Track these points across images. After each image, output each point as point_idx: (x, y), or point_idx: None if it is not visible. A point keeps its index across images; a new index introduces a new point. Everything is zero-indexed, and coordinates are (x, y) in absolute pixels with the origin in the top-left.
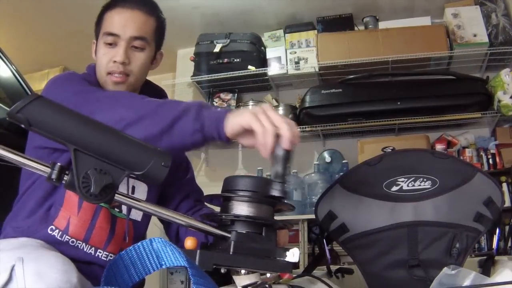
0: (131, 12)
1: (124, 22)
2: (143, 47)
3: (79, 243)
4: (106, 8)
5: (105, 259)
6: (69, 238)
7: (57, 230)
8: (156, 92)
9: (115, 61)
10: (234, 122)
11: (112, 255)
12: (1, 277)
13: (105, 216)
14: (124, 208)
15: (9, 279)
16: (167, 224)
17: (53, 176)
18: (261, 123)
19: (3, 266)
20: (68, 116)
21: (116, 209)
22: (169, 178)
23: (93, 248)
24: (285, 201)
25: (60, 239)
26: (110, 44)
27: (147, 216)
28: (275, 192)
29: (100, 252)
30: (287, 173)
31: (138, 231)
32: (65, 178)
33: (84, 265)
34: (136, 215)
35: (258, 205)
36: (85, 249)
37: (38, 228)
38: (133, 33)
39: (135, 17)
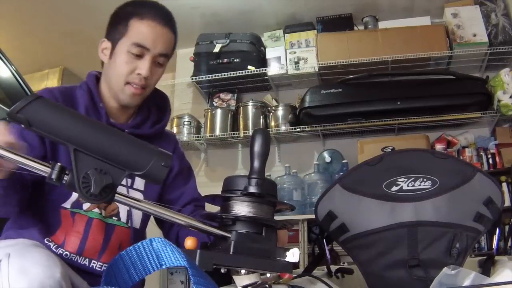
0: (162, 29)
1: (156, 37)
2: (164, 63)
3: (72, 256)
4: (132, 14)
5: (99, 269)
6: (63, 251)
7: (53, 243)
8: (160, 98)
9: (139, 74)
10: None
11: (107, 265)
12: None
13: (98, 227)
14: (123, 216)
15: None
16: (167, 230)
17: (53, 176)
18: None
19: None
20: (68, 116)
21: (114, 218)
22: (168, 184)
23: (87, 260)
24: (281, 200)
25: (54, 250)
26: (136, 55)
27: (144, 223)
28: (252, 189)
29: (94, 263)
30: (264, 169)
31: (138, 238)
32: (65, 178)
33: (80, 273)
34: (135, 223)
35: (258, 205)
36: (79, 261)
37: (36, 237)
38: (162, 50)
39: (165, 35)
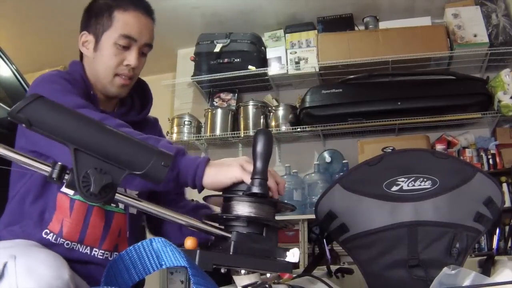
0: (146, 19)
1: (141, 28)
2: (147, 53)
3: (74, 245)
4: (114, 6)
5: (101, 257)
6: (64, 240)
7: (51, 234)
8: (139, 85)
9: (127, 65)
10: (222, 177)
11: (108, 252)
12: None
13: (98, 214)
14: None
15: (1, 275)
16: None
17: (54, 176)
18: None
19: None
20: (69, 116)
21: (112, 204)
22: None
23: (88, 248)
24: (282, 200)
25: (54, 242)
26: (123, 46)
27: None
28: (255, 189)
29: (95, 251)
30: (266, 169)
31: (135, 224)
32: (65, 178)
33: (80, 265)
34: (131, 209)
35: (259, 205)
36: (80, 250)
37: (32, 232)
38: (147, 40)
39: (149, 25)
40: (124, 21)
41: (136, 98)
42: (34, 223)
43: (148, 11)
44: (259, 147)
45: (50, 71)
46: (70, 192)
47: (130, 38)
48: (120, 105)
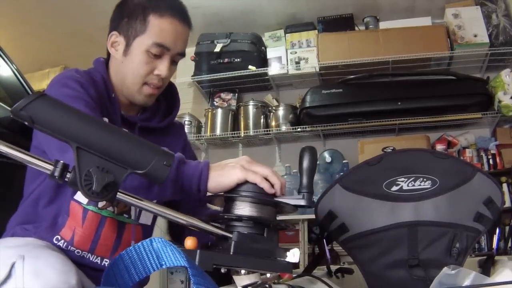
0: (182, 27)
1: (176, 36)
2: (178, 61)
3: (84, 253)
4: (149, 9)
5: None
6: (74, 249)
7: (62, 241)
8: (167, 88)
9: (158, 74)
10: (226, 180)
11: None
12: (1, 273)
13: (111, 226)
14: (133, 213)
15: (8, 275)
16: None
17: (56, 174)
18: (254, 174)
19: (5, 262)
20: (71, 114)
21: (124, 215)
22: None
23: (99, 258)
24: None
25: (65, 249)
26: (155, 55)
27: (155, 220)
28: (302, 202)
29: (106, 262)
30: (312, 184)
31: (148, 235)
32: (67, 176)
33: (91, 271)
34: (146, 220)
35: (260, 206)
36: (91, 259)
37: (44, 236)
38: (181, 50)
39: (185, 33)
40: (159, 28)
41: (162, 102)
42: (46, 226)
43: (185, 19)
44: (305, 164)
45: (67, 70)
46: (84, 201)
47: (163, 47)
48: (143, 110)
